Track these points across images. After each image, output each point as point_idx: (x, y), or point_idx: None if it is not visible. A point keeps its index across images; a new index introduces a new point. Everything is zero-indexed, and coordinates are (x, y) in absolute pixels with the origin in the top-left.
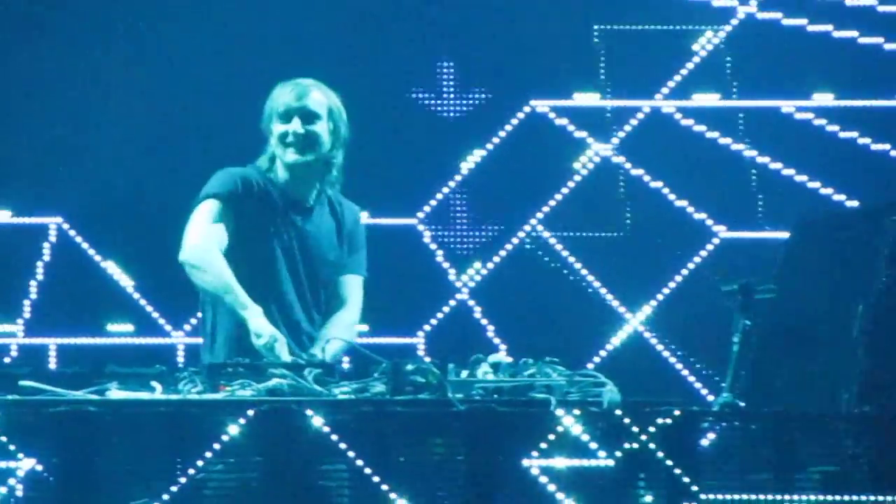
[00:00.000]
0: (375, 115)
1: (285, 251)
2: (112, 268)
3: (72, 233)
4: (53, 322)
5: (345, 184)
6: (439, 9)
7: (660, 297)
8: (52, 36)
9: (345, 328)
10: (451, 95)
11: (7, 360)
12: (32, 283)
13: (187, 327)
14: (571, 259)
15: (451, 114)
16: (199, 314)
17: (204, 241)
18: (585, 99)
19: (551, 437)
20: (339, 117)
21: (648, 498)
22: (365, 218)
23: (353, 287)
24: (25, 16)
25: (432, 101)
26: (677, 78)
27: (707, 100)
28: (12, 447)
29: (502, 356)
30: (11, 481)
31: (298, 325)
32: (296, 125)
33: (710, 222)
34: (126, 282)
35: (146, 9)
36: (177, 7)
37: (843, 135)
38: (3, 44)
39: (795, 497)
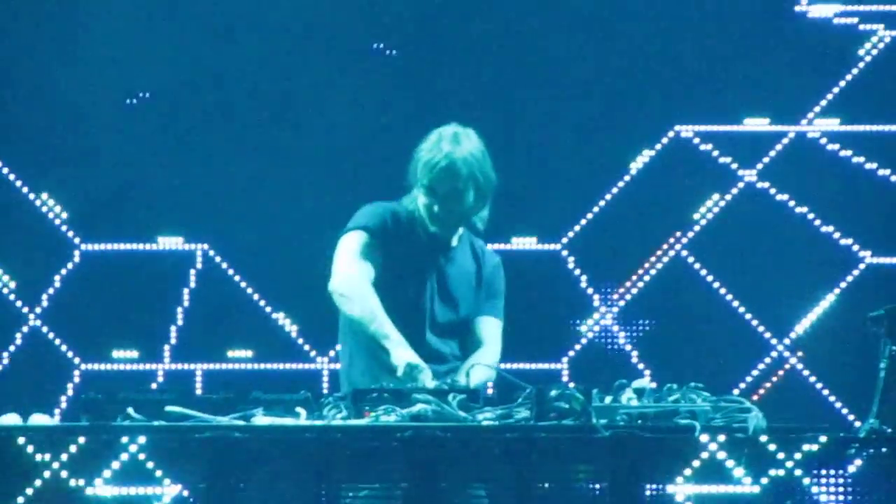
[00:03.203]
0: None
1: (427, 288)
2: (257, 293)
3: (217, 259)
4: (200, 347)
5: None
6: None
7: (806, 322)
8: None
9: (485, 365)
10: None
11: (153, 385)
12: (179, 309)
13: (332, 353)
14: (716, 284)
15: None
16: (339, 345)
17: (354, 270)
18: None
19: (696, 463)
20: (487, 189)
21: None
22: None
23: (491, 328)
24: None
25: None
26: (823, 102)
27: (853, 125)
28: (158, 473)
29: (646, 382)
30: None
31: (434, 361)
32: (443, 209)
33: (856, 247)
34: (270, 308)
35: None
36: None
37: None
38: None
39: None
